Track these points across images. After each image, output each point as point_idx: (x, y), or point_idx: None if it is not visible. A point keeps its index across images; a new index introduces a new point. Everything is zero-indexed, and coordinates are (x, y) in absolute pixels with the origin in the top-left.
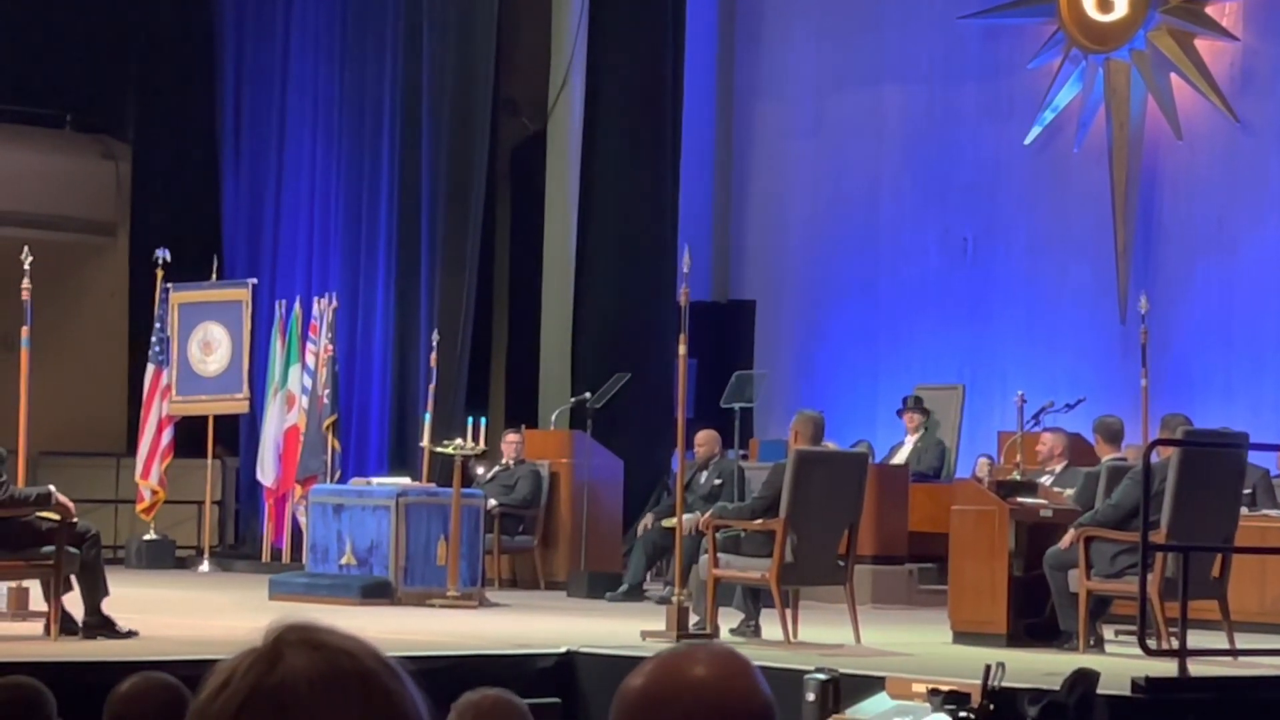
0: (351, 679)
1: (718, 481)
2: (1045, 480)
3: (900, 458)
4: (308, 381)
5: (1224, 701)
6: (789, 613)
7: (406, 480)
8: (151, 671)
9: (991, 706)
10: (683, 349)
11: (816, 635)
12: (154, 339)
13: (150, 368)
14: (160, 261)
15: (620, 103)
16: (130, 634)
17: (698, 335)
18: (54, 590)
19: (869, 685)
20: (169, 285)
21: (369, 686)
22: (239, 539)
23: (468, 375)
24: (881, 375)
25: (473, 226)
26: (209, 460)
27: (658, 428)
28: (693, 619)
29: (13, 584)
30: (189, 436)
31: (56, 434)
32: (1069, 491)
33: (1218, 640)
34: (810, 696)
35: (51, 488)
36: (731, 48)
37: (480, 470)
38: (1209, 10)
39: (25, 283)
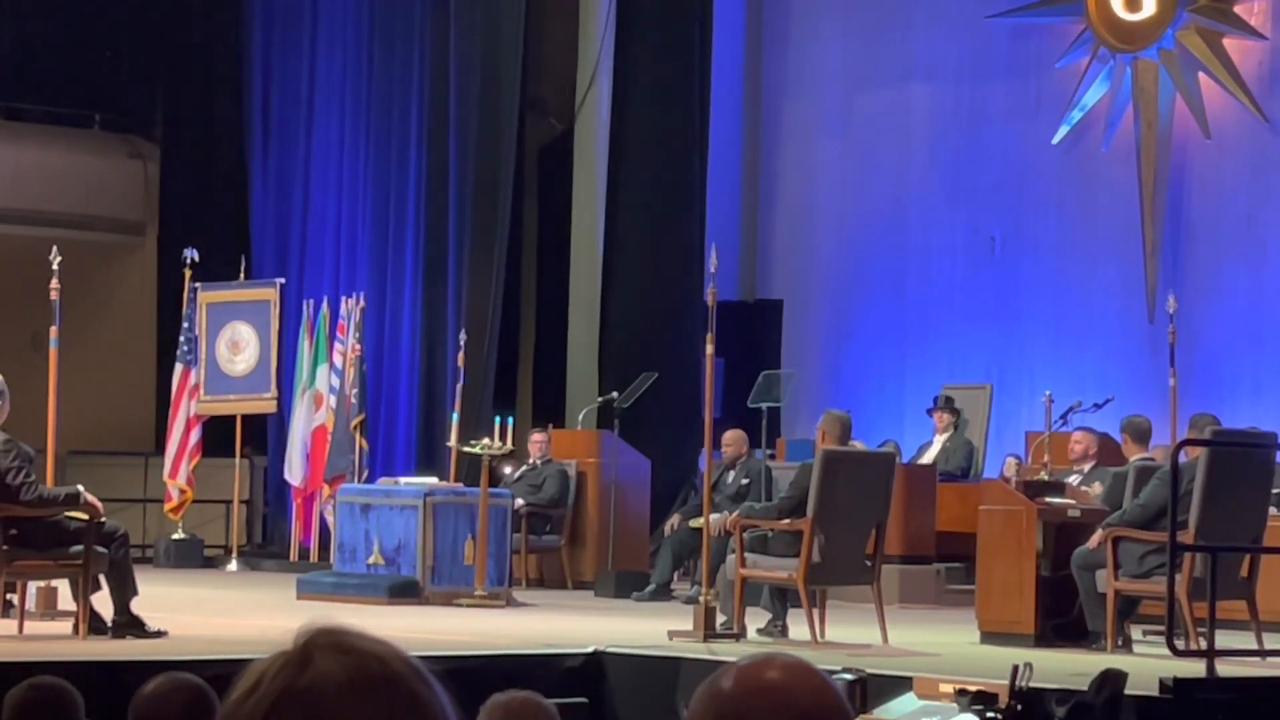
0: (380, 683)
1: (745, 481)
2: (1073, 480)
3: (928, 457)
4: (335, 381)
5: (1252, 702)
6: (816, 613)
7: (434, 480)
8: (176, 672)
9: (1019, 707)
10: (710, 348)
11: (844, 635)
12: (182, 338)
13: (178, 367)
14: (188, 261)
15: (647, 102)
16: (159, 633)
17: (725, 334)
18: (83, 590)
19: (896, 685)
20: (197, 285)
21: (398, 690)
22: (267, 538)
23: (495, 375)
24: (909, 374)
25: (500, 226)
26: (237, 460)
27: (685, 427)
28: (720, 619)
29: (42, 583)
30: (217, 436)
31: (85, 433)
32: (1096, 490)
33: (1246, 640)
34: None
35: (80, 487)
36: (759, 47)
37: (507, 470)
38: (1237, 9)
39: (54, 283)
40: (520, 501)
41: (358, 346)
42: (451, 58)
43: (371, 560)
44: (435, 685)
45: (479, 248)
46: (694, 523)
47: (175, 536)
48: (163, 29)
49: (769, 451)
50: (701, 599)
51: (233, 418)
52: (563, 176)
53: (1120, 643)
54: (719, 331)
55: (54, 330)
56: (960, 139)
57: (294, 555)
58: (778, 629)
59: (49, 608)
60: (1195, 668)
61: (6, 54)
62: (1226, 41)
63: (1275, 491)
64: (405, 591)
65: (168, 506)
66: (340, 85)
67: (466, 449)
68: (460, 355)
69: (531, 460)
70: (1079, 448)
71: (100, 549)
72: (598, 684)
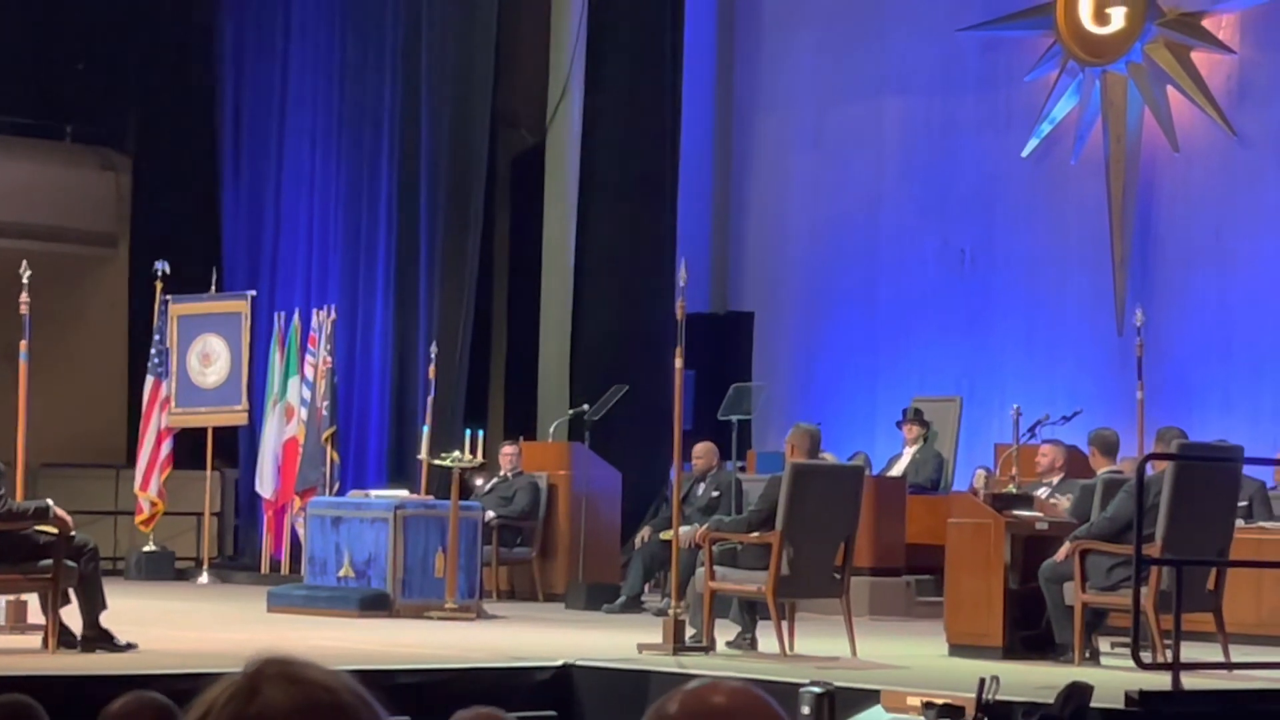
0: (328, 713)
1: (715, 494)
2: (1041, 493)
3: (898, 469)
4: (306, 393)
5: (1217, 715)
6: (785, 625)
7: (404, 492)
8: (143, 691)
9: None
10: (679, 361)
11: (813, 648)
12: (153, 351)
13: (149, 379)
14: (160, 273)
15: (619, 115)
16: (129, 647)
17: (696, 347)
18: (52, 603)
19: (864, 698)
20: (168, 297)
21: None
22: (238, 551)
23: (466, 387)
24: (880, 387)
25: (472, 239)
26: (208, 472)
27: (656, 440)
28: (689, 632)
29: (11, 597)
30: (188, 448)
31: (56, 446)
32: (1065, 502)
33: (1213, 653)
34: (805, 710)
35: (50, 501)
36: (731, 60)
37: (478, 482)
38: (1205, 23)
39: (24, 296)
40: (491, 514)
41: (329, 359)
42: (423, 71)
43: (342, 573)
44: (384, 716)
45: (450, 260)
46: (664, 535)
47: (146, 549)
48: (134, 41)
49: (739, 464)
50: (671, 612)
51: (204, 430)
52: (534, 189)
53: (1088, 655)
54: (690, 344)
55: (24, 344)
56: (931, 151)
57: (265, 568)
58: (747, 642)
59: (18, 621)
60: (1161, 680)
61: None
62: (1195, 55)
63: (1242, 504)
64: (376, 604)
65: (139, 519)
66: (312, 97)
67: (437, 462)
68: (431, 368)
69: (502, 472)
70: (1045, 460)
71: (70, 563)
72: (567, 697)
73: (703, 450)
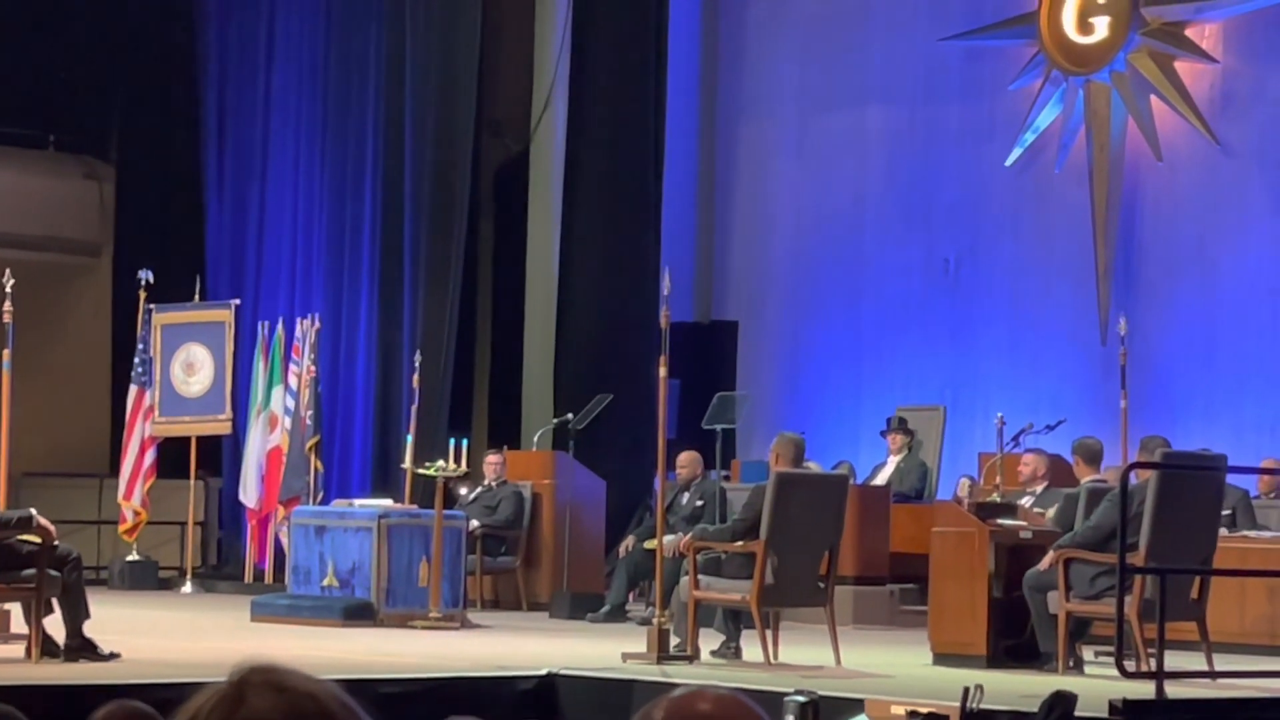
0: None
1: (699, 503)
2: (1025, 501)
3: (882, 478)
4: (290, 402)
5: None
6: (769, 634)
7: (388, 501)
8: (127, 700)
9: None
10: (663, 370)
11: (797, 656)
12: (137, 360)
13: (133, 388)
14: (143, 282)
15: (603, 124)
16: (112, 656)
17: (680, 356)
18: (35, 613)
19: (848, 707)
20: (152, 306)
21: None
22: (221, 560)
23: (450, 396)
24: (864, 396)
25: (455, 248)
26: (191, 481)
27: (640, 449)
28: (674, 641)
29: None
30: (172, 457)
31: (39, 455)
32: (1050, 512)
33: (1197, 662)
34: (790, 719)
35: (33, 510)
36: (714, 68)
37: (462, 491)
38: (1189, 32)
39: (6, 305)
40: (475, 523)
41: (313, 368)
42: (407, 80)
43: (326, 582)
44: None
45: (434, 269)
46: (648, 544)
47: (130, 558)
48: (118, 49)
49: (724, 473)
50: (655, 621)
51: (187, 439)
52: (518, 198)
53: (1072, 664)
54: (674, 353)
55: (6, 353)
56: (914, 160)
57: (249, 577)
58: (731, 651)
59: (1, 631)
60: (1145, 689)
61: None
62: (1178, 64)
63: (1226, 513)
64: (360, 613)
65: (122, 528)
66: (295, 107)
67: (421, 471)
68: (415, 377)
69: (487, 482)
70: (1027, 469)
71: (53, 572)
72: (551, 706)
73: (687, 459)
